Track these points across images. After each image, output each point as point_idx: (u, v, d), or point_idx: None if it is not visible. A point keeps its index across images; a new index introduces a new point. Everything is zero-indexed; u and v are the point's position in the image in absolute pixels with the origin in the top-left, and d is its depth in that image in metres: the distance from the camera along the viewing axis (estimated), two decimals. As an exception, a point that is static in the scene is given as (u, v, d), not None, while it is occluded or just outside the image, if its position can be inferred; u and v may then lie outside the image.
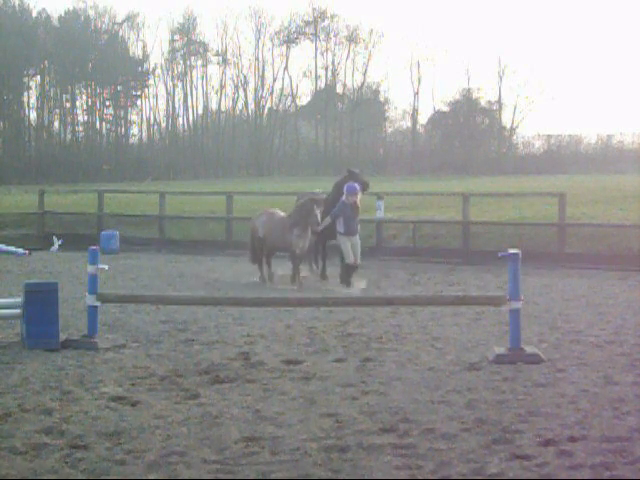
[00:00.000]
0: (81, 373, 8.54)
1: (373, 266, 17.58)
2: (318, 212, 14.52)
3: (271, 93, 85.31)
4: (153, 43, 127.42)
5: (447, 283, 15.51)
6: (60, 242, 22.75)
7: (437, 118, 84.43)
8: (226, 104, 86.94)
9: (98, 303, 10.00)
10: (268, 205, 19.37)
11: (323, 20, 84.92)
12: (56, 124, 78.61)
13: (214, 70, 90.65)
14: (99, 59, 77.92)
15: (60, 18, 77.78)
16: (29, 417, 6.97)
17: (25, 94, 76.62)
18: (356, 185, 15.15)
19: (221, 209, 24.09)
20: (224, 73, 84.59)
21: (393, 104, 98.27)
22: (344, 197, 14.98)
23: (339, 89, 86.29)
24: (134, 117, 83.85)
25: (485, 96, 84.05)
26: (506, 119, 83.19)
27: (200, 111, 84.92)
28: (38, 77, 77.05)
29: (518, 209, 25.86)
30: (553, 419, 6.75)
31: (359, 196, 15.14)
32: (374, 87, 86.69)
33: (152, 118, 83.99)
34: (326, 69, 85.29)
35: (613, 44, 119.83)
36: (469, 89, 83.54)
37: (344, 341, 10.12)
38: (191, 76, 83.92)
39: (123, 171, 73.13)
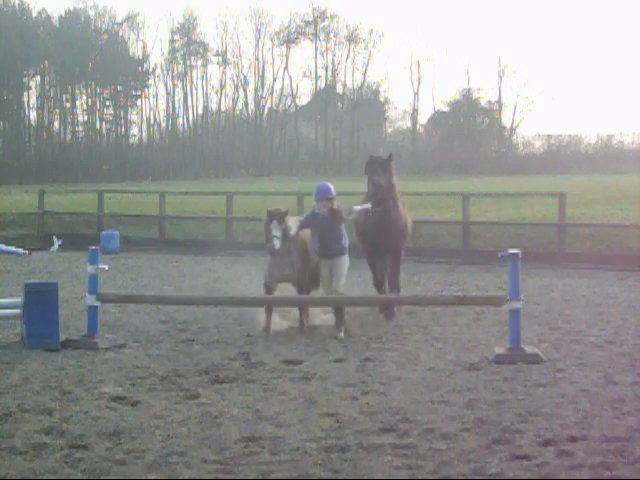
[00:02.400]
0: (81, 373, 8.54)
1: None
2: (277, 231, 10.64)
3: (271, 93, 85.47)
4: (153, 43, 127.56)
5: (447, 283, 15.50)
6: (60, 242, 22.75)
7: (437, 118, 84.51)
8: (226, 104, 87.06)
9: (98, 303, 10.01)
10: (268, 206, 19.21)
11: (323, 20, 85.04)
12: (56, 124, 78.65)
13: (214, 70, 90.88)
14: (99, 59, 77.98)
15: (60, 18, 77.80)
16: (29, 417, 6.96)
17: (25, 94, 76.65)
18: (327, 185, 10.96)
19: (221, 209, 24.09)
20: (224, 73, 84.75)
21: (393, 104, 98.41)
22: (314, 203, 11.04)
23: (339, 89, 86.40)
24: (134, 117, 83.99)
25: (485, 96, 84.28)
26: (506, 119, 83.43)
27: (200, 111, 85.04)
28: (38, 77, 77.08)
29: (518, 209, 25.87)
30: (553, 419, 6.75)
31: (334, 203, 10.86)
32: (374, 87, 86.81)
33: (152, 118, 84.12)
34: (326, 69, 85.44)
35: (613, 44, 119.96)
36: (469, 89, 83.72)
37: (344, 341, 10.12)
38: (191, 76, 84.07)
39: (123, 171, 73.16)
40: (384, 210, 11.69)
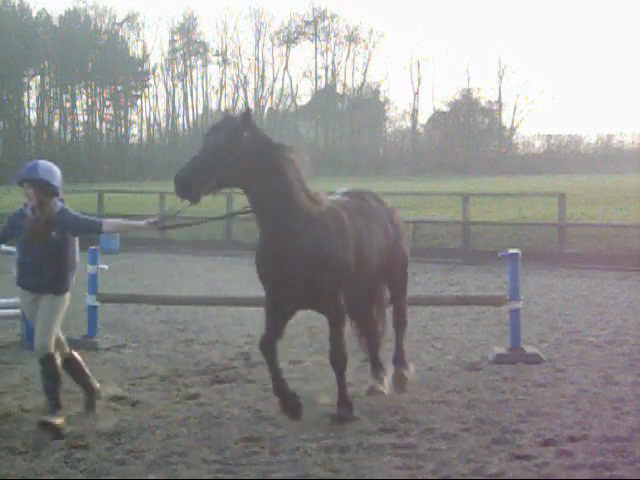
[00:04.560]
0: (81, 373, 8.52)
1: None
2: None
3: (271, 93, 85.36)
4: (153, 43, 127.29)
5: (447, 283, 15.50)
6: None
7: (437, 118, 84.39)
8: (226, 104, 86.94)
9: (98, 303, 10.01)
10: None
11: (323, 20, 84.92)
12: (56, 124, 78.57)
13: (214, 70, 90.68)
14: (99, 59, 77.87)
15: (60, 18, 77.72)
16: (29, 417, 6.96)
17: (25, 94, 76.60)
18: (36, 164, 7.09)
19: (221, 209, 24.08)
20: (224, 73, 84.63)
21: (393, 104, 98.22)
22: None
23: (339, 89, 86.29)
24: (134, 117, 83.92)
25: (485, 96, 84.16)
26: (506, 119, 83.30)
27: (200, 111, 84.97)
28: (38, 77, 77.01)
29: (518, 209, 25.87)
30: (553, 419, 6.75)
31: (51, 198, 7.04)
32: (374, 87, 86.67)
33: (152, 118, 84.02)
34: (326, 69, 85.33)
35: (613, 44, 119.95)
36: (469, 89, 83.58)
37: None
38: (191, 76, 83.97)
39: (123, 171, 73.12)
40: (276, 226, 6.66)
